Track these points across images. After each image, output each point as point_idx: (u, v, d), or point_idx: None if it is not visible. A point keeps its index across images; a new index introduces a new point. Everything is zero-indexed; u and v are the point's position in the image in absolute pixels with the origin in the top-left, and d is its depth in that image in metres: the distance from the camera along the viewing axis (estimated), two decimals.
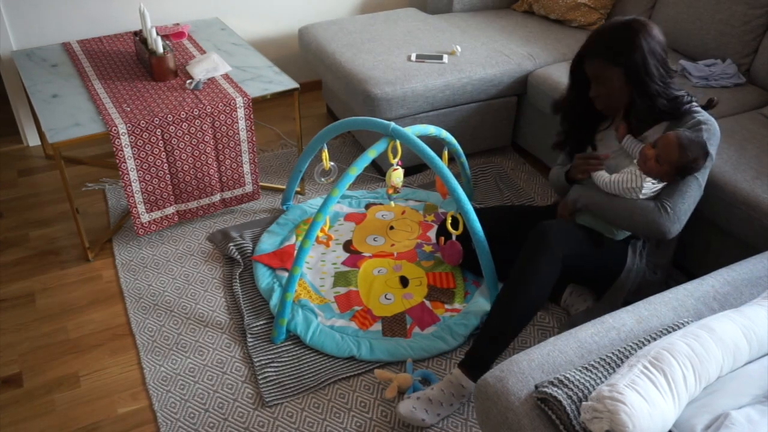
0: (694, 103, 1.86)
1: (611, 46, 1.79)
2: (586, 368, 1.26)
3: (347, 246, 2.36)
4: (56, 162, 2.12)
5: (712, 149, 1.81)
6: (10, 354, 1.98)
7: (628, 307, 1.45)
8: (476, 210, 2.06)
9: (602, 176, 1.89)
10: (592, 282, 2.04)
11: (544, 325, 2.08)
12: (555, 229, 1.82)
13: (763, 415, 1.16)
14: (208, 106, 2.24)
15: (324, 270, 2.25)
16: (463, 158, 2.44)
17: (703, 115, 1.83)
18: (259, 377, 1.88)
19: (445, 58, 2.65)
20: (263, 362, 1.92)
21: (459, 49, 2.71)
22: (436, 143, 2.33)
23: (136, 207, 2.27)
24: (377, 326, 2.03)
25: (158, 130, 2.18)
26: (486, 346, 1.76)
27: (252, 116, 2.33)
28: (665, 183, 1.81)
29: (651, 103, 1.82)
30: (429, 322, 2.05)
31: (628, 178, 1.82)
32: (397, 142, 2.03)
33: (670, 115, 1.84)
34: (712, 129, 1.81)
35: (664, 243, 1.95)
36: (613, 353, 1.29)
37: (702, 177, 1.80)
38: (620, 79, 1.80)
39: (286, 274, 2.19)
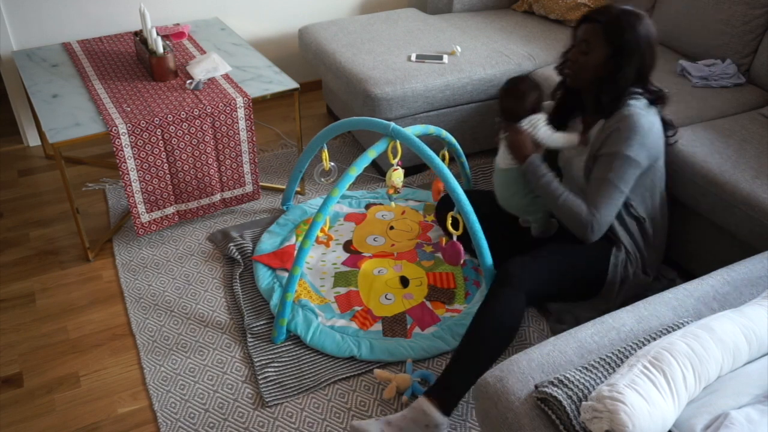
0: (634, 100, 1.80)
1: (614, 20, 1.77)
2: (586, 368, 1.26)
3: (347, 246, 2.36)
4: (56, 162, 2.13)
5: (630, 147, 1.75)
6: (10, 354, 1.98)
7: (628, 307, 1.45)
8: (468, 192, 2.03)
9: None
10: (579, 296, 2.01)
11: (545, 323, 2.07)
12: (518, 267, 1.80)
13: (763, 415, 1.17)
14: (208, 106, 2.24)
15: (324, 270, 2.25)
16: (463, 158, 2.45)
17: (630, 110, 1.78)
18: (259, 377, 1.88)
19: (445, 58, 2.65)
20: (263, 362, 1.92)
21: (459, 49, 2.71)
22: (436, 143, 2.33)
23: (136, 207, 2.27)
24: (377, 326, 2.03)
25: (158, 130, 2.18)
26: (454, 378, 1.69)
27: (252, 116, 2.34)
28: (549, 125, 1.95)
29: (607, 94, 1.80)
30: (429, 323, 2.05)
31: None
32: (397, 143, 2.03)
33: (606, 111, 1.83)
34: (629, 124, 1.75)
35: (655, 246, 1.95)
36: (613, 353, 1.29)
37: (622, 182, 1.77)
38: (602, 54, 1.78)
39: (286, 274, 2.19)
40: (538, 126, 1.94)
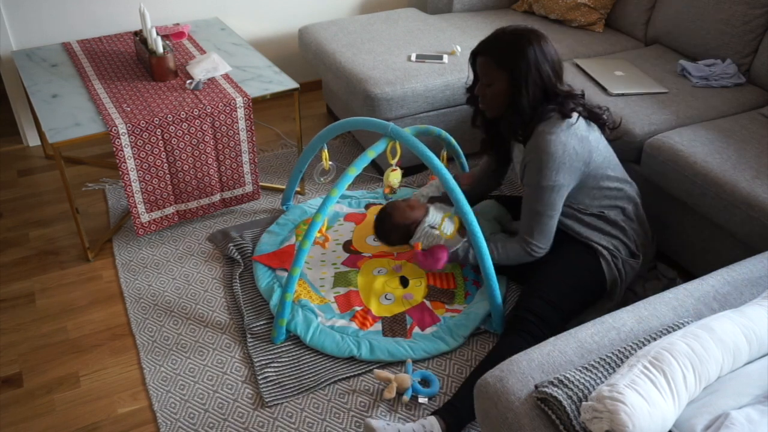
0: (545, 123, 1.78)
1: (502, 48, 1.78)
2: (586, 368, 1.26)
3: (347, 246, 2.36)
4: (56, 162, 2.13)
5: (545, 177, 1.76)
6: (10, 354, 1.98)
7: (628, 307, 1.45)
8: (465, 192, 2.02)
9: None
10: (588, 305, 2.01)
11: None
12: (527, 310, 1.82)
13: (763, 415, 1.17)
14: (208, 106, 2.24)
15: (324, 270, 2.25)
16: (463, 159, 2.45)
17: (539, 139, 1.77)
18: (259, 377, 1.88)
19: (445, 58, 2.65)
20: (263, 362, 1.92)
21: (459, 49, 2.71)
22: (436, 143, 2.33)
23: (136, 207, 2.27)
24: (377, 326, 2.03)
25: (158, 130, 2.18)
26: (464, 403, 1.69)
27: (252, 116, 2.34)
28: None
29: (517, 118, 1.81)
30: (429, 323, 2.05)
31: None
32: (397, 143, 2.03)
33: (522, 137, 1.85)
34: (540, 155, 1.76)
35: (631, 226, 1.97)
36: (613, 353, 1.29)
37: (549, 209, 1.81)
38: (504, 83, 1.79)
39: (285, 275, 2.19)
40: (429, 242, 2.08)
